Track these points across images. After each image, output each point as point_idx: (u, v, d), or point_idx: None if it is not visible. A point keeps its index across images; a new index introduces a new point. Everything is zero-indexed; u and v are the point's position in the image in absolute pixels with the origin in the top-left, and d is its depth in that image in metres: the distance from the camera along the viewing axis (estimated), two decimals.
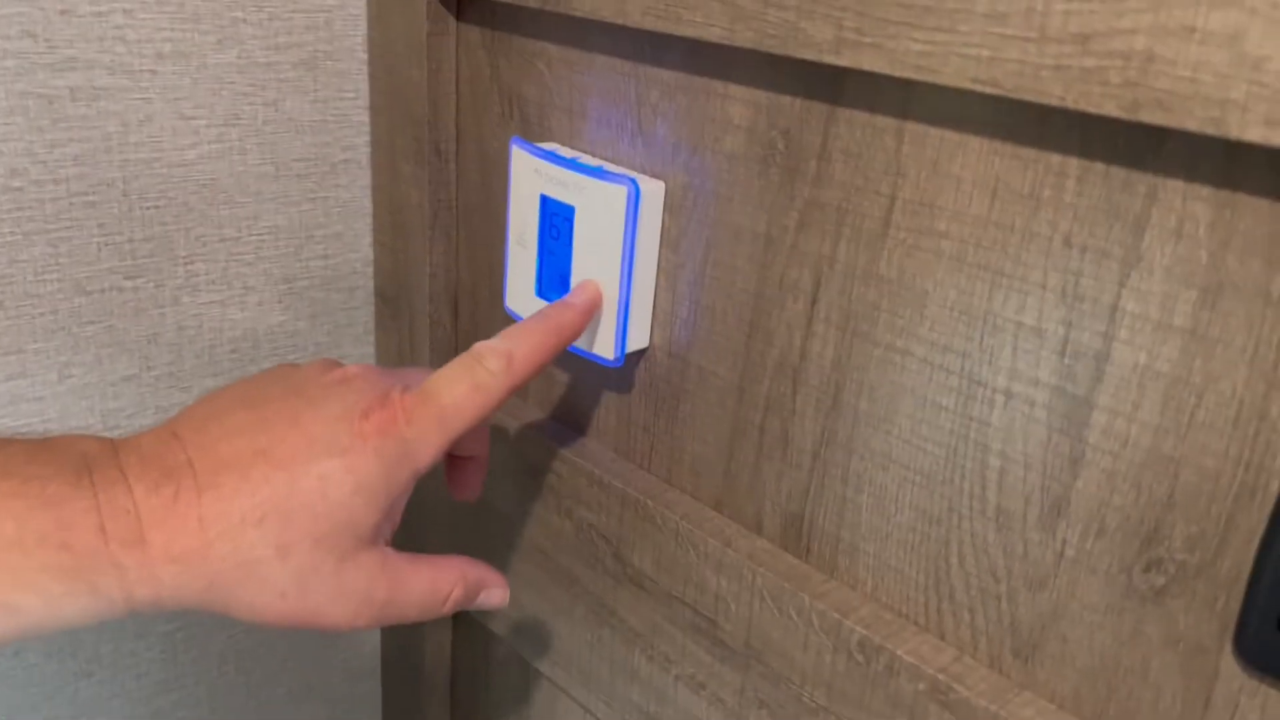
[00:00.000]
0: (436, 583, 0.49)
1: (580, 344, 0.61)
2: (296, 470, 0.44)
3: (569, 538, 0.65)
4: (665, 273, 0.60)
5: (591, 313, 0.57)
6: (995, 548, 0.48)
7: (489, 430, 0.59)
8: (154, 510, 0.42)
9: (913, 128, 0.47)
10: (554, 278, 0.62)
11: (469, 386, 0.50)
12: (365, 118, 0.73)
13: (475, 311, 0.74)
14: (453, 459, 0.57)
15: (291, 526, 0.43)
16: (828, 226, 0.51)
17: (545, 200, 0.61)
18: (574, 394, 0.68)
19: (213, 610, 0.43)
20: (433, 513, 0.75)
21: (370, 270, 0.77)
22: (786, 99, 0.51)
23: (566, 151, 0.62)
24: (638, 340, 0.62)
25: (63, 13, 0.59)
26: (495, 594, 0.53)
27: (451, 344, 0.75)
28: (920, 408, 0.49)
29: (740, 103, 0.53)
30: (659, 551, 0.60)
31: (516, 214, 0.63)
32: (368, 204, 0.76)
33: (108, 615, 0.41)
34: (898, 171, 0.48)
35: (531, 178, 0.61)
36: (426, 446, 0.48)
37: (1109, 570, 0.45)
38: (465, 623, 0.79)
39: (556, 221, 0.61)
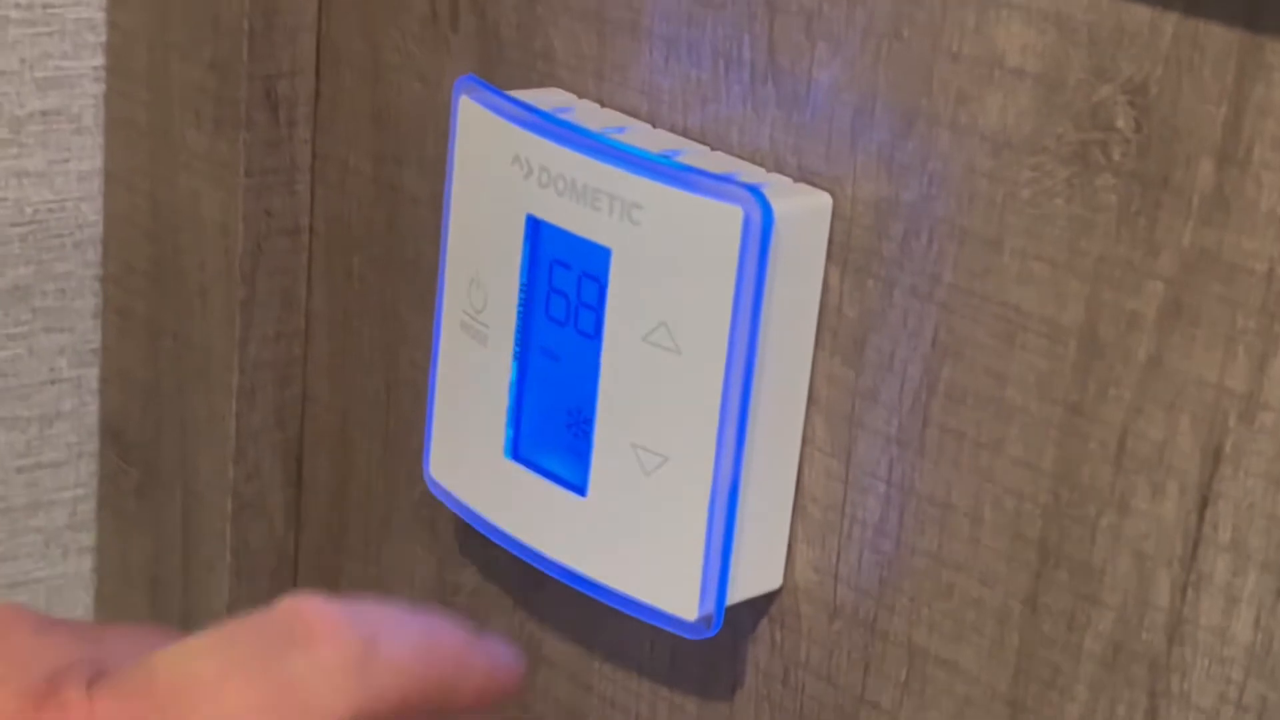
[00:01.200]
0: None
1: (625, 587, 0.46)
2: None
3: None
4: (827, 412, 0.45)
5: (504, 690, 0.45)
6: None
7: None
8: None
9: None
10: (554, 413, 0.47)
11: (255, 691, 0.40)
12: (99, 17, 0.64)
13: (346, 487, 0.62)
14: None
15: None
16: (1233, 326, 0.38)
17: (539, 229, 0.46)
18: (603, 694, 0.53)
19: None
20: None
21: (91, 378, 0.68)
22: (1138, 11, 0.38)
23: (589, 115, 0.48)
24: (754, 578, 0.47)
25: None
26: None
27: (278, 557, 0.65)
28: None
29: (1024, 15, 0.39)
30: None
31: (465, 256, 0.49)
32: (93, 218, 0.66)
33: None
34: None
35: (504, 174, 0.47)
36: None
37: None
38: None
39: (565, 279, 0.46)
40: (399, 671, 0.43)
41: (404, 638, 0.44)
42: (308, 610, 0.43)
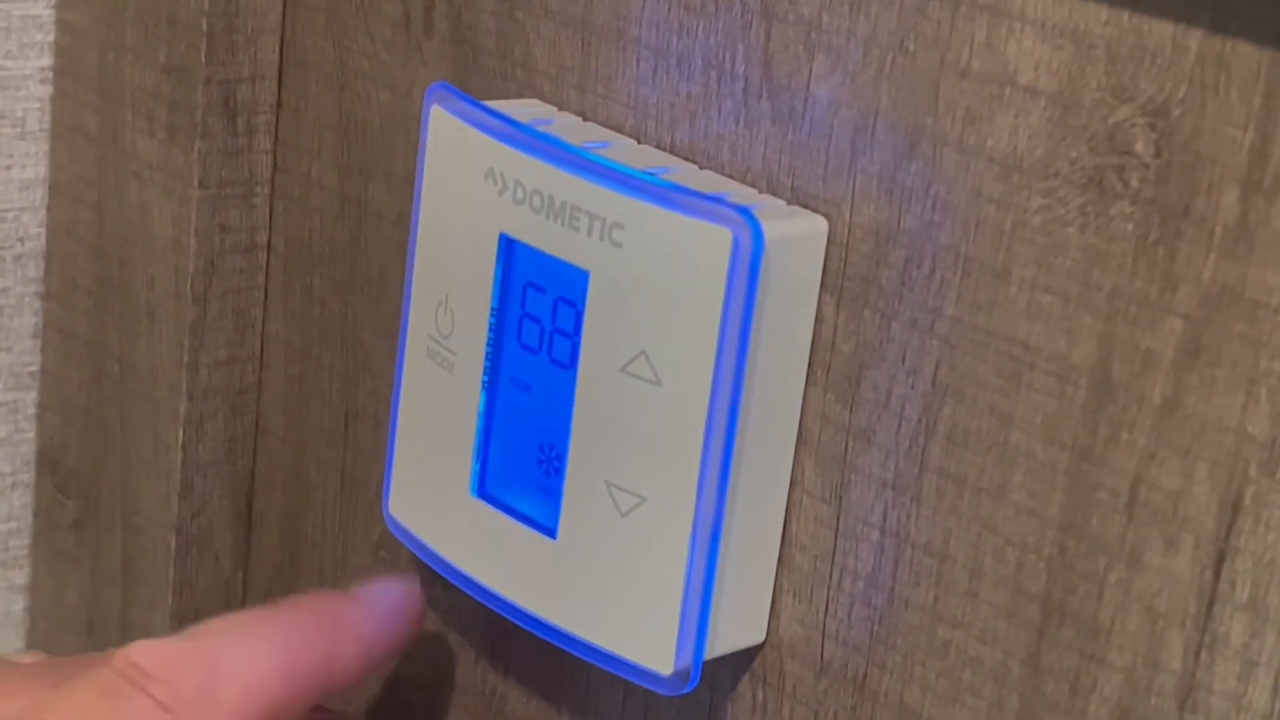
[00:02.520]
0: None
1: (595, 637, 0.46)
2: None
3: None
4: (817, 453, 0.45)
5: (398, 636, 0.50)
6: None
7: None
8: None
9: None
10: (524, 448, 0.48)
11: None
12: (47, 14, 0.64)
13: (300, 525, 0.63)
14: None
15: None
16: (1255, 367, 0.38)
17: (512, 249, 0.47)
18: None
19: None
20: None
21: (28, 403, 0.68)
22: (1160, 27, 0.38)
23: (570, 129, 0.48)
24: (735, 630, 0.47)
25: None
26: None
27: (224, 599, 0.65)
28: None
29: (1038, 29, 0.39)
30: None
31: (433, 277, 0.49)
32: (35, 230, 0.66)
33: None
34: None
35: (476, 189, 0.47)
36: None
37: None
38: None
39: (539, 303, 0.47)
40: (247, 693, 0.46)
41: (252, 659, 0.47)
42: (138, 655, 0.45)
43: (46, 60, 0.63)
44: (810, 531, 0.45)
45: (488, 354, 0.47)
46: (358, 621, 0.50)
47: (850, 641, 0.45)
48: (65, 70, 0.62)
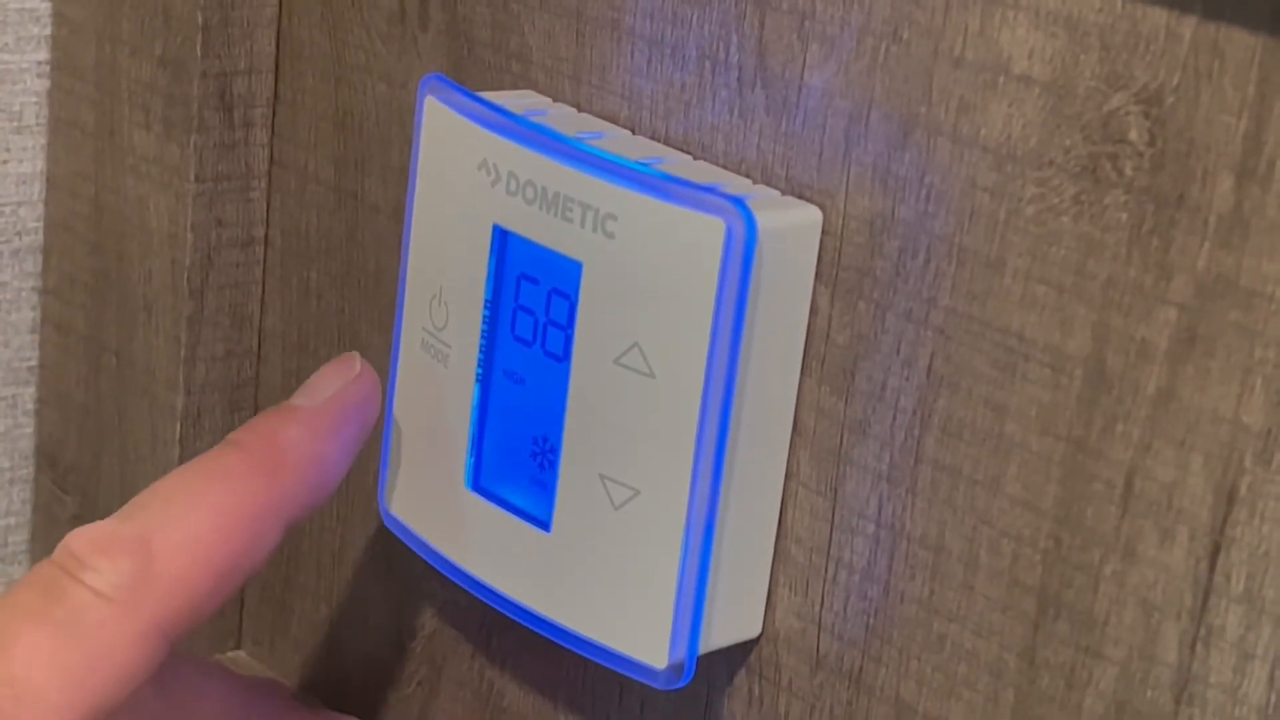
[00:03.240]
0: None
1: (590, 631, 0.46)
2: None
3: None
4: (813, 445, 0.45)
5: (351, 434, 0.48)
6: None
7: None
8: None
9: None
10: (518, 441, 0.48)
11: (41, 634, 0.43)
12: (43, 8, 0.64)
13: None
14: None
15: None
16: (1250, 356, 0.37)
17: (506, 240, 0.47)
18: None
19: None
20: None
21: (26, 398, 0.68)
22: (1154, 14, 0.38)
23: (564, 120, 0.48)
24: (731, 624, 0.47)
25: None
26: None
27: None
28: None
29: (1031, 17, 0.40)
30: None
31: (428, 269, 0.49)
32: (33, 225, 0.66)
33: None
34: None
35: (470, 180, 0.47)
36: None
37: None
38: None
39: (532, 295, 0.47)
40: (189, 563, 0.45)
41: (186, 526, 0.46)
42: (75, 543, 0.45)
43: (43, 54, 0.63)
44: (806, 524, 0.45)
45: (482, 346, 0.47)
46: (298, 441, 0.49)
47: (846, 635, 0.45)
48: (62, 64, 0.62)
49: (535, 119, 0.46)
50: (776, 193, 0.44)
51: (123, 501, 0.60)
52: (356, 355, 0.50)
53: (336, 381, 0.49)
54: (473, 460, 0.48)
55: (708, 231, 0.41)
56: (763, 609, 0.46)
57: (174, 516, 0.46)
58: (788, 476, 0.45)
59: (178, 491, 0.47)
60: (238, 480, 0.48)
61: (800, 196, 0.44)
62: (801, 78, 0.43)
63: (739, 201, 0.41)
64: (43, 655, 0.43)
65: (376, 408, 0.49)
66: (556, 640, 0.47)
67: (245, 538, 0.47)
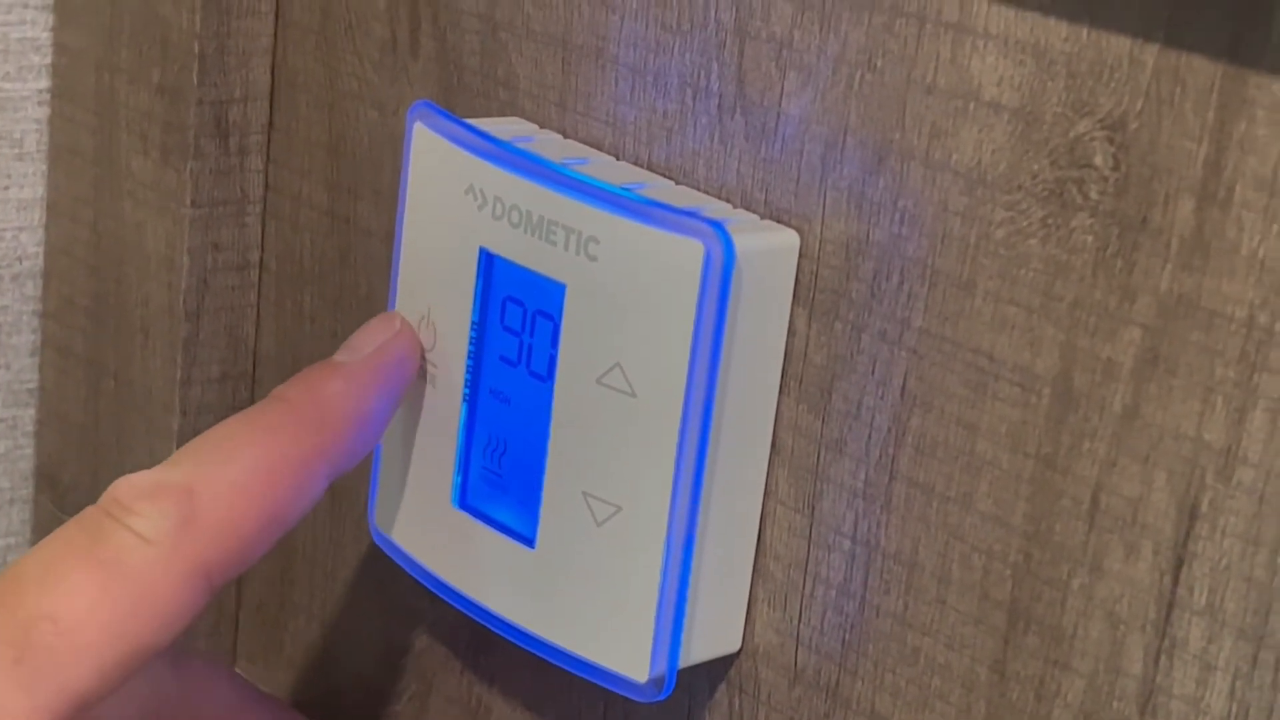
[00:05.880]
0: None
1: (572, 645, 0.46)
2: None
3: None
4: (790, 463, 0.45)
5: (393, 388, 0.48)
6: None
7: None
8: None
9: None
10: (504, 460, 0.48)
11: (82, 574, 0.43)
12: (44, 37, 0.65)
13: (291, 540, 0.61)
14: None
15: None
16: (1211, 375, 0.37)
17: (492, 263, 0.47)
18: None
19: None
20: None
21: (26, 419, 0.68)
22: (1118, 43, 0.38)
23: (550, 146, 0.48)
24: (711, 639, 0.47)
25: None
26: None
27: (217, 612, 0.65)
28: None
29: (1000, 46, 0.40)
30: None
31: (417, 292, 0.49)
32: (33, 249, 0.67)
33: None
34: None
35: (457, 204, 0.47)
36: None
37: None
38: None
39: (517, 317, 0.47)
40: (231, 512, 0.45)
41: (231, 476, 0.46)
42: (120, 489, 0.45)
43: (44, 82, 0.63)
44: (784, 541, 0.45)
45: (469, 367, 0.47)
46: (341, 395, 0.49)
47: (823, 649, 0.45)
48: (62, 92, 0.62)
49: (521, 145, 0.47)
50: (755, 217, 0.44)
51: None
52: (397, 313, 0.49)
53: (378, 338, 0.49)
54: (460, 479, 0.48)
55: (687, 254, 0.41)
56: (742, 624, 0.46)
57: (219, 464, 0.46)
58: (766, 494, 0.45)
59: (223, 441, 0.47)
60: (282, 431, 0.48)
61: (778, 220, 0.44)
62: (780, 105, 0.43)
63: (718, 225, 0.41)
64: (86, 594, 0.43)
65: (416, 364, 0.49)
66: (541, 655, 0.47)
67: (289, 487, 0.47)
